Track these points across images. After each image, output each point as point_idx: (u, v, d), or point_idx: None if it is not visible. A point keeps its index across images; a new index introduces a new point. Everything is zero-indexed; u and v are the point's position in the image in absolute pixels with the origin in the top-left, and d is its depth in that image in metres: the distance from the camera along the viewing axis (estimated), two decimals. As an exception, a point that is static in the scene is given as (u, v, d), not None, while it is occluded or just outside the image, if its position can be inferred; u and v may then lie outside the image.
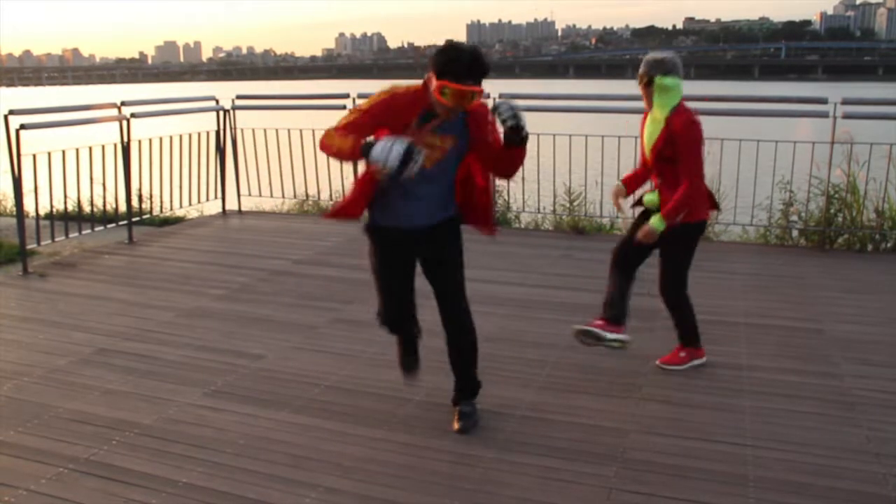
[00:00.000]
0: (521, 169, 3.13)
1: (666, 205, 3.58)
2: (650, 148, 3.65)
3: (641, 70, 3.58)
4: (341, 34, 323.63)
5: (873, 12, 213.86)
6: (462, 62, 2.74)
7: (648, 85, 3.55)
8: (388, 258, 3.13)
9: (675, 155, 3.53)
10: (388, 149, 2.67)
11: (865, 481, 2.83)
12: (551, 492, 2.76)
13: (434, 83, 2.79)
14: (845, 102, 5.88)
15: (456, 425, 3.22)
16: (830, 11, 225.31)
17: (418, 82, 2.91)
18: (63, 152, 6.01)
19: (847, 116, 5.83)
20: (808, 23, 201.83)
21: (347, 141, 2.84)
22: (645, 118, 3.73)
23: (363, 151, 2.75)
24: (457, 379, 3.30)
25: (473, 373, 3.29)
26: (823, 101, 5.99)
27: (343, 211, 3.03)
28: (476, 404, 3.32)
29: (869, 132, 6.40)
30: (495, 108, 2.88)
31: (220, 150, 7.65)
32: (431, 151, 2.87)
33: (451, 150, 2.94)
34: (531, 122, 3.17)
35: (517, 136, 2.89)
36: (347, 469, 2.92)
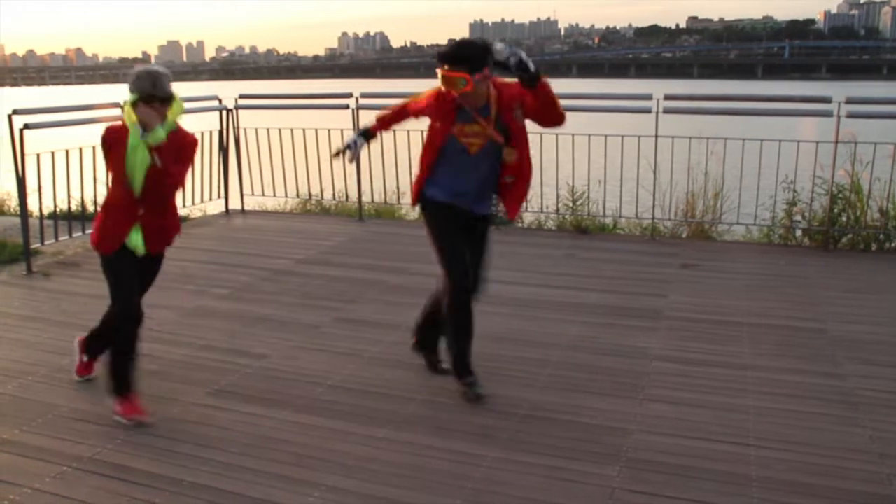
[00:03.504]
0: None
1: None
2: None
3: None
4: (344, 34, 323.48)
5: (877, 11, 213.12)
6: (446, 51, 3.14)
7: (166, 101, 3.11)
8: (447, 223, 3.39)
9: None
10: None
11: (869, 482, 2.82)
12: (554, 491, 2.76)
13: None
14: (849, 101, 5.86)
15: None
16: (834, 10, 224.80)
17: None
18: (66, 152, 6.03)
19: (851, 115, 5.81)
20: (811, 21, 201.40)
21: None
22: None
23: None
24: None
25: None
26: (827, 101, 5.97)
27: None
28: None
29: (873, 131, 6.39)
30: (494, 51, 3.12)
31: (223, 150, 7.65)
32: (475, 139, 3.25)
33: (489, 141, 3.26)
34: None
35: (527, 74, 3.07)
36: (351, 468, 2.92)
